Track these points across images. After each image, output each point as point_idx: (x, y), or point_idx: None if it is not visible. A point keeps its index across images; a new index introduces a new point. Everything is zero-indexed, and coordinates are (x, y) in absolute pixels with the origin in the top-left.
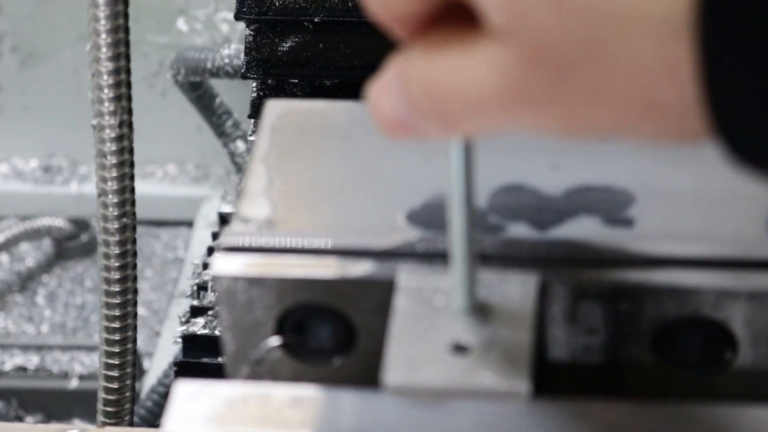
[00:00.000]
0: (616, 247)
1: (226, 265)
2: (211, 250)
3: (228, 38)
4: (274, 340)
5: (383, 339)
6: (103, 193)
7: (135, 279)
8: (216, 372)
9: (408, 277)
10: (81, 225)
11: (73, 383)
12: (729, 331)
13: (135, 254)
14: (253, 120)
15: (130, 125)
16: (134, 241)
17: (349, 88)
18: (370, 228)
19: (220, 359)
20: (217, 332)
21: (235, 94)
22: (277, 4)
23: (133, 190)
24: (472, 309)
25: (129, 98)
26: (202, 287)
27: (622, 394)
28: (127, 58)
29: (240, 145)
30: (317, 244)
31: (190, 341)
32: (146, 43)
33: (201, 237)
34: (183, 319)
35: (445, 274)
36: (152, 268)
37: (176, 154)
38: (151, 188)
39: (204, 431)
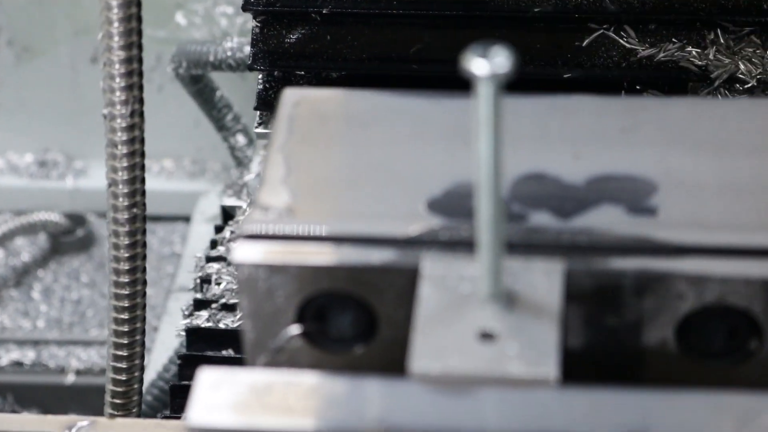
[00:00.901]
0: (639, 235)
1: (246, 252)
2: (213, 243)
3: (227, 32)
4: (295, 329)
5: (405, 327)
6: (113, 183)
7: (144, 270)
8: (219, 365)
9: (432, 265)
10: (77, 220)
11: (70, 378)
12: (754, 320)
13: (144, 245)
14: (258, 112)
15: (142, 115)
16: (144, 232)
17: (357, 80)
18: (391, 216)
19: (224, 352)
20: (221, 325)
21: (234, 88)
22: None
23: (143, 181)
24: (499, 297)
25: (140, 87)
26: (205, 280)
27: (645, 383)
28: (139, 47)
29: (240, 139)
30: (338, 232)
31: (193, 334)
32: (144, 37)
33: (199, 231)
34: (186, 313)
35: (469, 262)
36: (148, 263)
37: (173, 149)
38: (147, 183)
39: (229, 419)
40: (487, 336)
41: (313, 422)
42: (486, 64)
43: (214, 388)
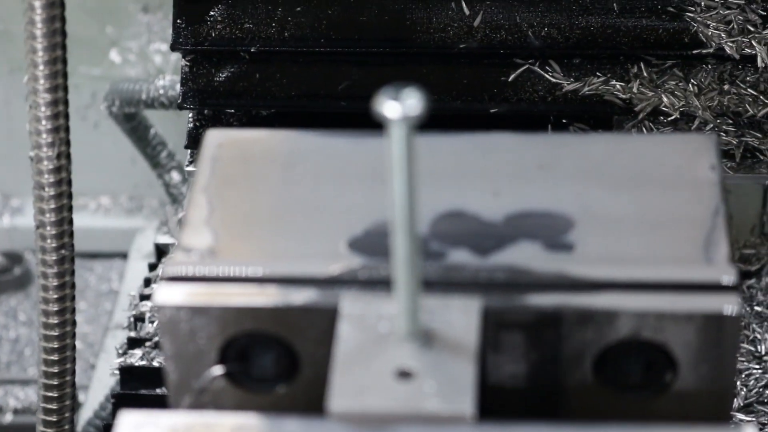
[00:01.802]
0: (557, 271)
1: (168, 294)
2: (147, 282)
3: (161, 69)
4: (217, 369)
5: (326, 367)
6: (41, 225)
7: (73, 311)
8: (154, 404)
9: (351, 304)
10: (14, 258)
11: (8, 417)
12: (669, 354)
13: (73, 286)
14: (189, 150)
15: (68, 156)
16: (72, 273)
17: (286, 117)
18: (312, 256)
19: (158, 391)
20: (155, 364)
21: (169, 125)
22: (213, 35)
23: (71, 222)
24: (416, 335)
25: (67, 129)
26: (139, 318)
27: (564, 417)
28: (65, 90)
29: (175, 176)
30: (259, 273)
31: (127, 373)
32: (78, 74)
33: (136, 268)
34: (120, 351)
35: (387, 300)
36: (86, 300)
37: (109, 186)
38: (84, 220)
39: None
40: (404, 374)
41: None
42: (398, 106)
43: (136, 430)
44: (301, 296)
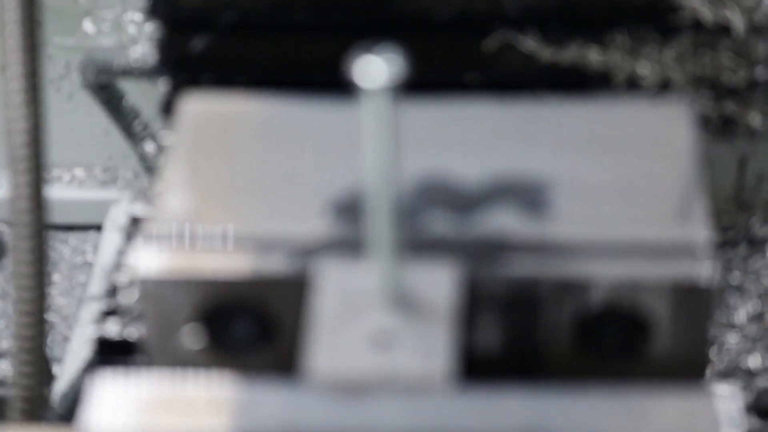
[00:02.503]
0: (535, 237)
1: (145, 261)
2: (122, 253)
3: (135, 39)
4: (193, 335)
5: (303, 333)
6: (15, 198)
7: (47, 284)
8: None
9: (328, 270)
10: None
11: None
12: (644, 320)
13: (48, 258)
14: (162, 118)
15: (43, 129)
16: (47, 245)
17: (262, 88)
18: (289, 222)
19: (132, 361)
20: (129, 334)
21: (144, 96)
22: (188, 3)
23: (45, 195)
24: (393, 300)
25: (40, 102)
26: (113, 289)
27: (543, 381)
28: (38, 61)
29: (149, 146)
30: (236, 239)
31: (102, 344)
32: (52, 45)
33: (110, 240)
34: (94, 322)
35: (365, 266)
36: (60, 272)
37: (84, 157)
38: (58, 192)
39: (123, 420)
40: (380, 339)
41: (205, 425)
42: (372, 75)
43: (110, 392)
44: (277, 262)
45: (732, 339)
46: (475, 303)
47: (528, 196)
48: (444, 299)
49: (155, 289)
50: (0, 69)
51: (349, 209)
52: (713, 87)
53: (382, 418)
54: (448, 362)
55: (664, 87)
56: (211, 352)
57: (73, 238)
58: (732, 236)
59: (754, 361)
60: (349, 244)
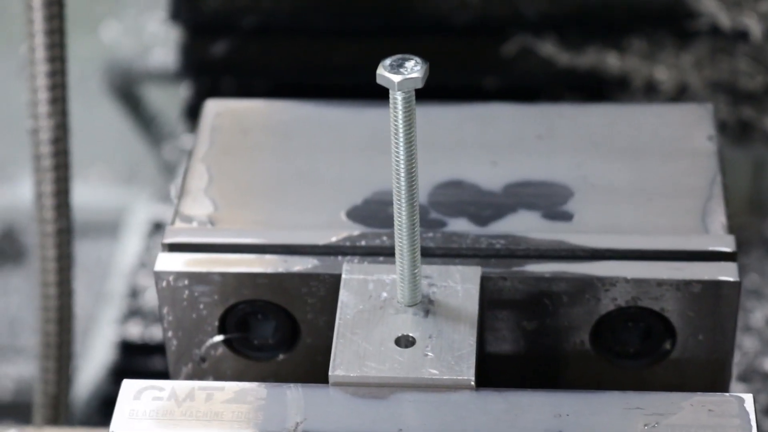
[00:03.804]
0: (555, 240)
1: (168, 262)
2: (142, 254)
3: (156, 43)
4: (218, 338)
5: (326, 334)
6: (40, 196)
7: (71, 285)
8: (149, 374)
9: (351, 273)
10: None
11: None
12: (667, 322)
13: (71, 257)
14: (184, 122)
15: (67, 127)
16: (70, 243)
17: (283, 91)
18: (311, 224)
19: (155, 362)
20: (151, 336)
21: (164, 98)
22: (210, 7)
23: (69, 193)
24: (417, 303)
25: (65, 100)
26: (135, 290)
27: (562, 385)
28: (63, 60)
29: (171, 147)
30: (259, 241)
31: (123, 345)
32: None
33: (130, 240)
34: (116, 323)
35: (388, 269)
36: (80, 271)
37: (104, 157)
38: (79, 193)
39: (149, 426)
40: (405, 341)
41: (233, 429)
42: (399, 73)
43: (137, 397)
44: (301, 264)
45: (749, 342)
46: (495, 306)
47: (549, 200)
48: (467, 302)
49: (176, 292)
50: (25, 69)
51: (373, 212)
52: (730, 92)
53: (405, 420)
54: (472, 364)
55: (681, 92)
56: (234, 354)
57: (93, 236)
58: (748, 239)
59: None
60: (372, 247)
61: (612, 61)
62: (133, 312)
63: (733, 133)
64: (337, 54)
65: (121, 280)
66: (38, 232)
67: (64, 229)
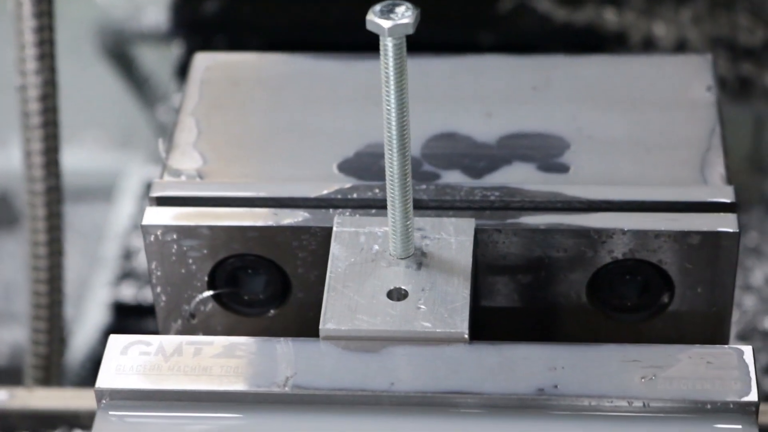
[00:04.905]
0: (551, 192)
1: (156, 216)
2: (137, 215)
3: (148, 2)
4: (207, 293)
5: (318, 289)
6: (28, 154)
7: (62, 249)
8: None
9: (343, 225)
10: None
11: None
12: (664, 274)
13: (61, 215)
14: (176, 81)
15: (55, 84)
16: (60, 202)
17: (275, 48)
18: (302, 178)
19: (149, 323)
20: (145, 297)
21: (158, 59)
22: None
23: (58, 150)
24: (409, 255)
25: (53, 56)
26: (127, 253)
27: (558, 338)
28: (50, 15)
29: (164, 109)
30: (249, 194)
31: (117, 306)
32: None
33: (124, 203)
34: (110, 285)
35: (380, 221)
36: (73, 235)
37: (99, 121)
38: (73, 155)
39: (135, 380)
40: (397, 294)
41: (222, 384)
42: (390, 18)
43: (124, 353)
44: (292, 217)
45: (749, 301)
46: (489, 258)
47: (544, 152)
48: (461, 255)
49: (165, 246)
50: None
51: (365, 164)
52: (730, 48)
53: (397, 373)
54: (466, 317)
55: (680, 48)
56: (224, 310)
57: (86, 199)
58: (748, 197)
59: None
60: (364, 199)
61: (609, 17)
62: (127, 274)
63: (733, 89)
64: (331, 11)
65: (115, 242)
66: (27, 191)
67: (54, 187)
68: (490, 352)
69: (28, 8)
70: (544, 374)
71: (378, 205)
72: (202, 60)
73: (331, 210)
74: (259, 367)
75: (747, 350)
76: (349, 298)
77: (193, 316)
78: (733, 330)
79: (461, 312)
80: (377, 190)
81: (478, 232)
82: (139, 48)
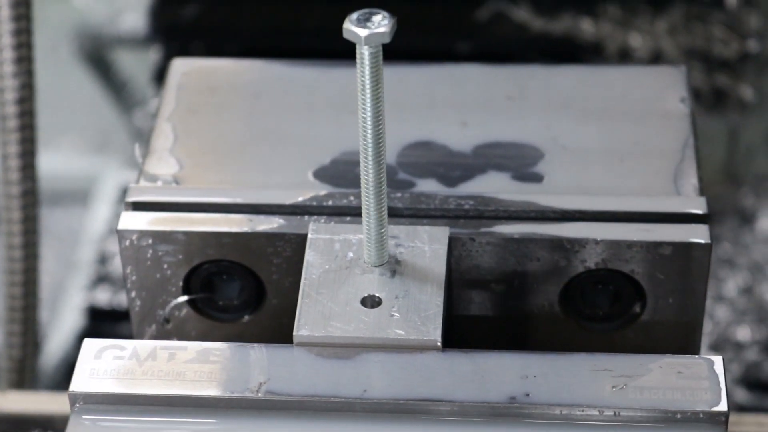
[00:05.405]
0: (525, 201)
1: (131, 221)
2: (113, 220)
3: (126, 7)
4: (182, 298)
5: (292, 296)
6: (5, 157)
7: (38, 253)
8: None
9: (318, 232)
10: None
11: None
12: (636, 284)
13: (37, 218)
14: (154, 86)
15: (32, 87)
16: (37, 205)
17: (253, 54)
18: (278, 184)
19: (123, 328)
20: (120, 302)
21: (136, 64)
22: None
23: (35, 154)
24: (384, 263)
25: (30, 60)
26: (104, 257)
27: (531, 347)
28: (29, 19)
29: (141, 114)
30: (225, 200)
31: (91, 311)
32: (43, 12)
33: (100, 208)
34: (83, 290)
35: (354, 229)
36: (49, 238)
37: (76, 124)
38: (49, 159)
39: (108, 384)
40: (371, 302)
41: (196, 389)
42: (366, 27)
43: (98, 357)
44: (267, 224)
45: (721, 312)
46: (463, 267)
47: (519, 161)
48: (435, 263)
49: (140, 251)
50: None
51: (340, 172)
52: (705, 59)
53: (370, 380)
54: (439, 325)
55: (655, 59)
56: (199, 315)
57: (63, 203)
58: (721, 209)
59: (743, 334)
60: (339, 207)
61: (586, 27)
62: (102, 278)
63: (707, 101)
64: (308, 17)
65: (90, 247)
66: (3, 194)
67: (30, 190)
68: (462, 360)
69: (6, 11)
70: (516, 382)
71: (353, 213)
72: (180, 65)
73: (306, 217)
74: (232, 373)
75: (717, 360)
76: (323, 304)
77: (167, 320)
78: (706, 341)
79: (434, 320)
80: (352, 198)
81: (452, 240)
82: (117, 53)
